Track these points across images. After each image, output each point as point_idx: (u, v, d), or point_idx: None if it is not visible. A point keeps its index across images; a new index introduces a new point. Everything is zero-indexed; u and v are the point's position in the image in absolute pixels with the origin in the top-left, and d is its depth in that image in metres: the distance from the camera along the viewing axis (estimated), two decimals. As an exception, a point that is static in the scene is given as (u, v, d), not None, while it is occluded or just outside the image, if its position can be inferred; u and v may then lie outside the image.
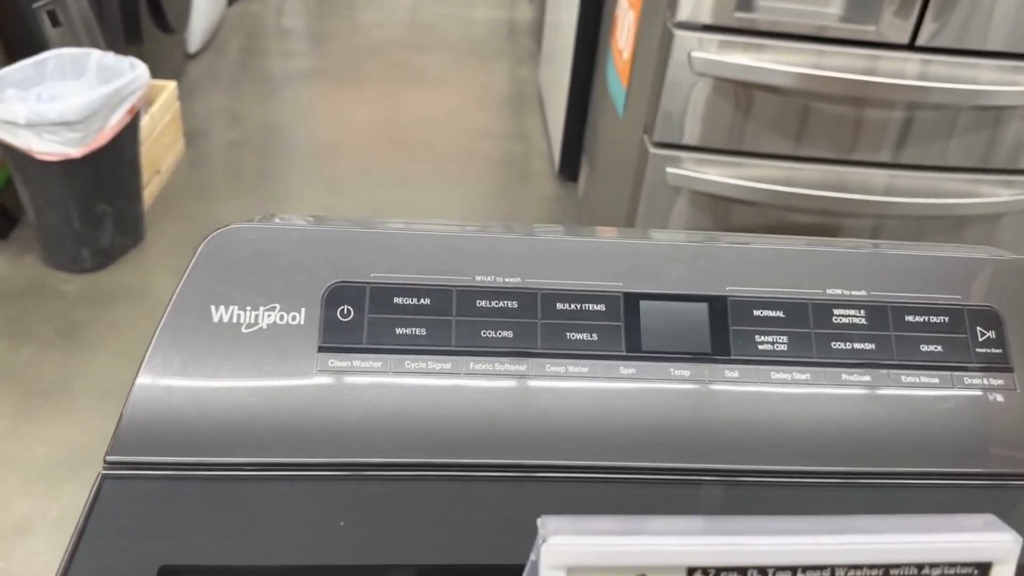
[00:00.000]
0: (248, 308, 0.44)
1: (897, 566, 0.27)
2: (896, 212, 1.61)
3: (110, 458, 0.41)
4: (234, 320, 0.44)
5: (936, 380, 0.47)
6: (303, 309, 0.44)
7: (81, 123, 1.70)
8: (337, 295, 0.44)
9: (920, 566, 0.27)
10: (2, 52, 1.90)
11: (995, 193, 1.60)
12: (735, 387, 0.45)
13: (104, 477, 0.40)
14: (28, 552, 1.32)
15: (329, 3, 3.84)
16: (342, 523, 0.39)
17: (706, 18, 1.38)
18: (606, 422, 0.44)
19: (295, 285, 0.44)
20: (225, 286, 0.44)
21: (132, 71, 1.85)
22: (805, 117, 1.50)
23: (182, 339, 0.43)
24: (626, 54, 1.71)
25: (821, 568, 0.27)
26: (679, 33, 1.39)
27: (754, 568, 0.26)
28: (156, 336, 0.43)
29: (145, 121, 2.07)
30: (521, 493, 0.42)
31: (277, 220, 0.49)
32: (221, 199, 2.26)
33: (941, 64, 1.41)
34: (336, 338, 0.44)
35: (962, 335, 0.48)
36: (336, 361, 0.43)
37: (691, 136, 1.51)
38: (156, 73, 2.32)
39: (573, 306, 0.46)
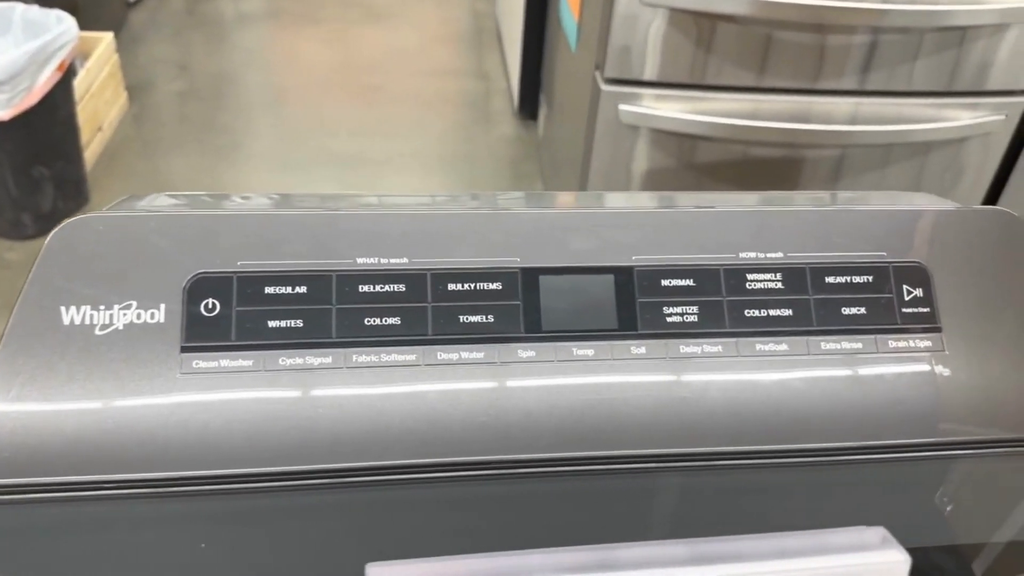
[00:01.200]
0: (102, 307, 0.40)
1: (772, 595, 0.24)
2: (861, 141, 1.57)
3: (-52, 484, 0.37)
4: (86, 321, 0.40)
5: (859, 345, 0.43)
6: (162, 305, 0.40)
7: (7, 83, 1.61)
8: (200, 287, 0.40)
9: (799, 593, 0.24)
10: (-81, 9, 1.80)
11: (960, 116, 1.56)
12: (641, 364, 0.42)
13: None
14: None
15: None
16: (203, 545, 0.35)
17: (653, -57, 1.31)
18: (503, 411, 0.41)
19: (153, 279, 0.40)
20: (75, 284, 0.40)
21: (59, 25, 1.75)
22: (766, 46, 1.45)
23: (29, 345, 0.39)
24: (576, -13, 1.64)
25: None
26: (625, -38, 1.32)
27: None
28: (3, 340, 0.39)
29: (81, 77, 1.98)
30: (413, 498, 0.39)
31: (142, 204, 0.45)
32: (169, 154, 2.18)
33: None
34: (201, 336, 0.40)
35: (887, 295, 0.44)
36: (201, 361, 0.40)
37: (649, 71, 1.45)
38: (92, 24, 2.22)
39: (466, 286, 0.42)
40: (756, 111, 1.52)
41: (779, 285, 0.44)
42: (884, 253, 0.45)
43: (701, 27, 1.40)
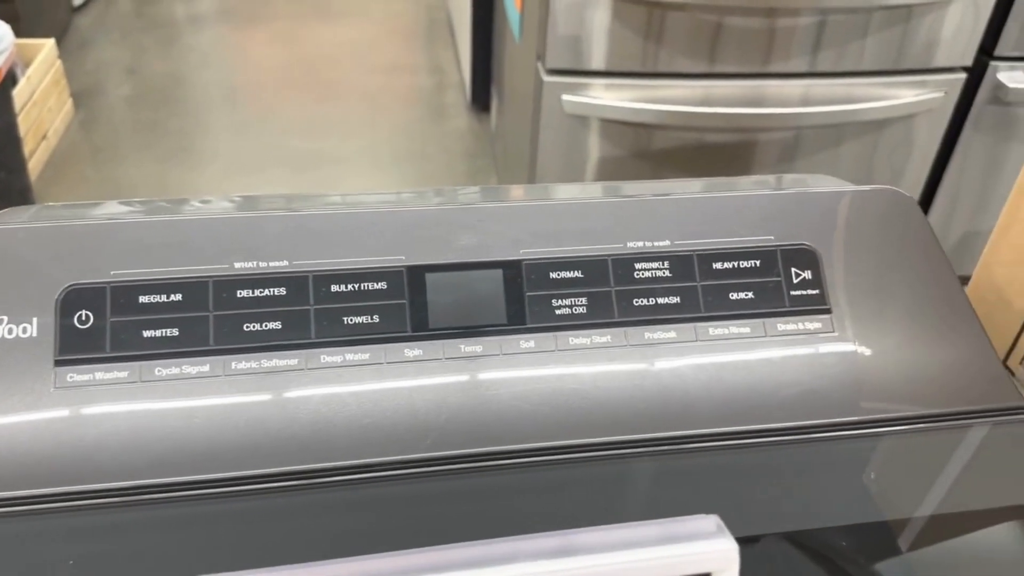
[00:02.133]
0: (-29, 322, 0.39)
1: (605, 588, 0.24)
2: (813, 122, 1.58)
3: None
4: (-46, 339, 0.39)
5: (747, 330, 0.44)
6: (34, 319, 0.39)
7: (-60, 94, 1.58)
8: (73, 299, 0.40)
9: (630, 586, 0.24)
10: None
11: (905, 94, 1.58)
12: (530, 358, 0.42)
13: None
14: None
15: (228, -62, 3.64)
16: (71, 561, 0.35)
17: (585, -68, 1.30)
18: (389, 412, 0.40)
19: (24, 292, 0.40)
20: (-58, 299, 0.39)
21: (-6, 32, 1.72)
22: (715, 32, 1.45)
23: None
24: (518, -23, 1.63)
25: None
26: (559, -48, 1.32)
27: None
28: None
29: (22, 85, 1.94)
30: (295, 505, 0.39)
31: (23, 217, 0.44)
32: (118, 160, 2.15)
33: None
34: (74, 348, 0.39)
35: (775, 278, 0.45)
36: (76, 375, 0.39)
37: (596, 61, 1.45)
38: (35, 31, 2.18)
39: (350, 287, 0.42)
40: (708, 97, 1.52)
41: (667, 273, 0.44)
42: (772, 237, 0.45)
43: (646, 15, 1.40)
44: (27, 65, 2.02)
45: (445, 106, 2.44)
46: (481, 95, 2.32)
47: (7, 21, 1.76)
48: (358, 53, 2.70)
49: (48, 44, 2.13)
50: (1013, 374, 0.55)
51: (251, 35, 2.81)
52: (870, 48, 1.51)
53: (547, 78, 1.45)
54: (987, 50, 1.54)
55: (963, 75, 1.56)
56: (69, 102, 2.24)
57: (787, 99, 1.55)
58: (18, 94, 1.87)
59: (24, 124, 1.86)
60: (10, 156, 1.82)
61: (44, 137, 2.06)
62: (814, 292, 0.45)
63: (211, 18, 2.90)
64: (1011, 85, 1.53)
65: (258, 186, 2.06)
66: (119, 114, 2.35)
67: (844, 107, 1.56)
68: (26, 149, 1.88)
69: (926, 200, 1.74)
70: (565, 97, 1.45)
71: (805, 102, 1.56)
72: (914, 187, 1.71)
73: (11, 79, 1.80)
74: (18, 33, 1.75)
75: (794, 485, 0.41)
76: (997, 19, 1.51)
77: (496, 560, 0.23)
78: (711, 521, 0.25)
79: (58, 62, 2.18)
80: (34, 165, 1.95)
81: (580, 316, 0.43)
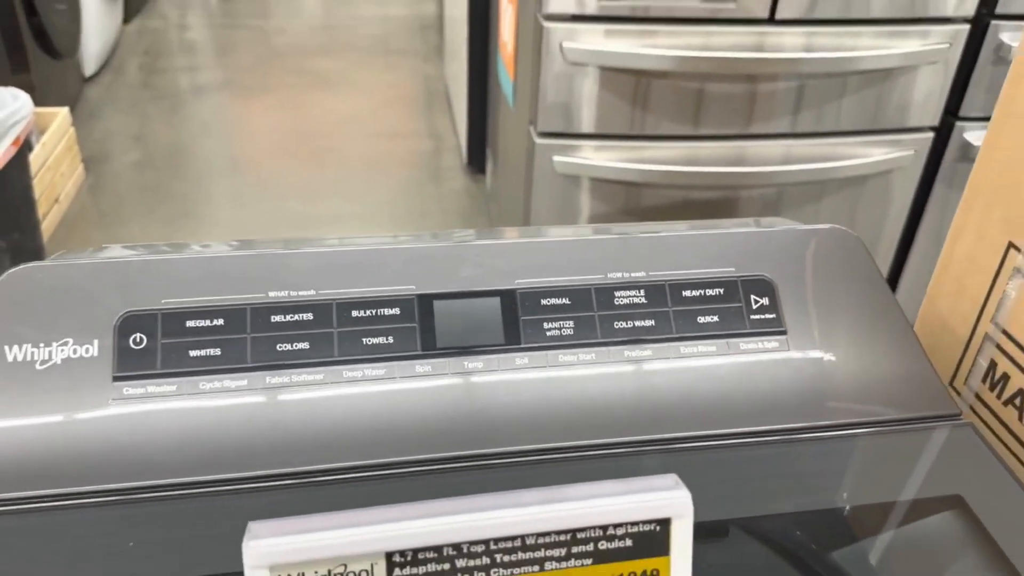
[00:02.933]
0: (41, 345, 0.45)
1: (583, 529, 0.30)
2: (794, 179, 1.66)
3: (-98, 506, 0.42)
4: (28, 358, 0.45)
5: (713, 348, 0.50)
6: (96, 341, 0.45)
7: (-38, 160, 1.66)
8: (129, 324, 0.46)
9: (605, 527, 0.30)
10: None
11: (882, 152, 1.67)
12: (525, 372, 0.48)
13: None
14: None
15: (233, 12, 3.80)
16: (131, 543, 0.40)
17: (573, 8, 1.41)
18: (401, 419, 0.46)
19: (87, 318, 0.46)
20: (17, 326, 0.45)
21: (15, 102, 1.81)
22: (697, 97, 1.54)
23: (-23, 381, 0.44)
24: (510, 47, 1.74)
25: (512, 538, 0.29)
26: (549, 25, 1.42)
27: (449, 546, 0.29)
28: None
29: (37, 151, 2.03)
30: (321, 497, 0.44)
31: (74, 255, 0.50)
32: (125, 223, 2.23)
33: (797, 35, 1.46)
34: (130, 366, 0.45)
35: (737, 304, 0.51)
36: (130, 389, 0.45)
37: (585, 124, 1.54)
38: (49, 100, 2.28)
39: (368, 312, 0.48)
40: (692, 157, 1.61)
41: (643, 300, 0.50)
42: (733, 269, 0.52)
43: (632, 83, 1.50)
44: (42, 132, 2.12)
45: (442, 169, 2.54)
46: (477, 158, 2.41)
47: (24, 90, 1.85)
48: (357, 121, 2.81)
49: (62, 112, 2.23)
50: (959, 394, 0.62)
51: (253, 105, 2.93)
52: (846, 109, 1.60)
53: (539, 140, 1.54)
54: (953, 111, 1.64)
55: (931, 134, 1.65)
56: (80, 167, 2.33)
57: (768, 158, 1.64)
58: (33, 159, 1.95)
59: (38, 188, 1.94)
60: (25, 218, 1.89)
61: (56, 200, 2.14)
62: (771, 316, 0.51)
63: (215, 89, 3.02)
64: (976, 144, 1.63)
65: (261, 247, 2.13)
66: (126, 179, 2.44)
67: (823, 165, 1.65)
68: (39, 211, 1.96)
69: (903, 250, 1.82)
70: (556, 158, 1.54)
71: (786, 161, 1.65)
72: (892, 239, 1.79)
73: (28, 145, 1.89)
74: (34, 102, 1.85)
75: (752, 477, 0.46)
76: (961, 82, 1.61)
77: (492, 507, 0.29)
78: (670, 479, 0.31)
79: (71, 129, 2.27)
80: (46, 227, 2.03)
81: (568, 337, 0.49)
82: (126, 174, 2.46)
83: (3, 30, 2.24)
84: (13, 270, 0.47)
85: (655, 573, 0.31)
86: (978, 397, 0.59)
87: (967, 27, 1.53)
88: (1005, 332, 0.56)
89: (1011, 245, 0.55)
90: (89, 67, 2.88)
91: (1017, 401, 0.56)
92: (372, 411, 0.46)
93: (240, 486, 0.43)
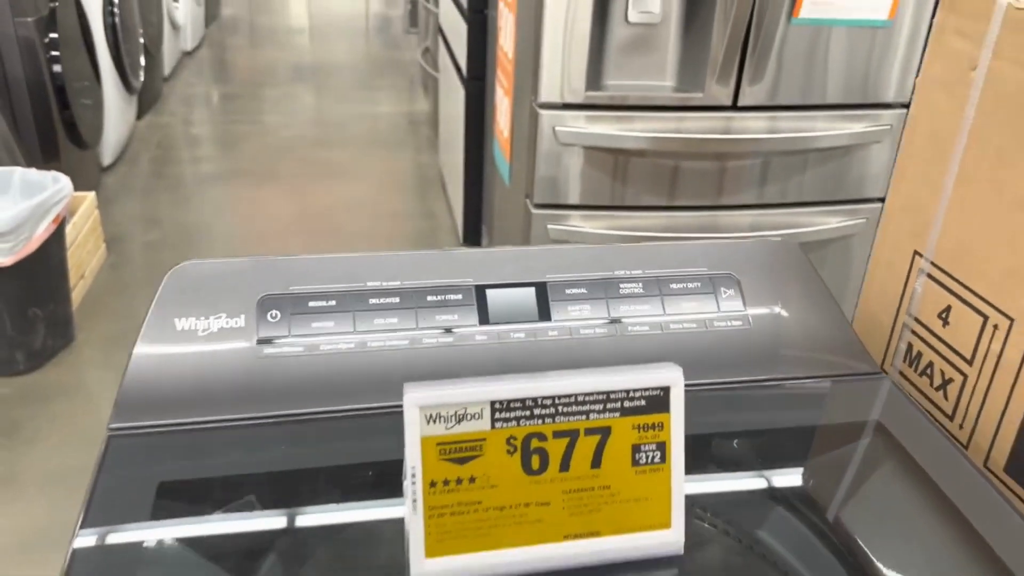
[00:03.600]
0: (202, 318, 0.61)
1: (615, 391, 0.46)
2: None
3: (112, 425, 0.57)
4: (192, 328, 0.61)
5: (694, 325, 0.67)
6: (243, 316, 0.62)
7: (11, 233, 1.83)
8: (267, 303, 0.62)
9: (628, 391, 0.46)
10: (-73, 177, 2.03)
11: (841, 220, 1.87)
12: (554, 340, 0.65)
13: (110, 438, 0.56)
14: (-14, 634, 1.40)
15: (235, 109, 4.05)
16: (282, 447, 0.56)
17: (564, 98, 1.63)
18: (465, 371, 0.63)
19: (236, 299, 0.62)
20: (184, 305, 0.62)
21: (55, 184, 1.99)
22: (673, 172, 1.75)
23: (157, 341, 0.60)
24: (506, 133, 1.95)
25: (568, 396, 0.45)
26: (543, 112, 1.64)
27: (529, 399, 0.45)
28: (138, 340, 0.60)
29: (68, 229, 2.20)
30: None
31: (220, 259, 0.67)
32: (144, 297, 2.37)
33: (760, 119, 1.69)
34: (268, 333, 0.62)
35: (710, 294, 0.69)
36: (269, 349, 0.61)
37: (572, 196, 1.74)
38: (73, 186, 2.46)
39: (440, 297, 0.65)
40: (670, 225, 1.81)
41: (640, 291, 0.68)
42: (705, 268, 0.69)
43: (613, 160, 1.71)
44: (72, 214, 2.29)
45: (440, 243, 2.73)
46: (472, 234, 2.61)
47: (63, 175, 2.04)
48: (359, 204, 3.02)
49: (89, 197, 2.41)
50: (886, 373, 0.78)
51: (260, 191, 3.13)
52: (806, 183, 1.82)
53: (535, 211, 1.74)
54: (898, 184, 1.86)
55: (880, 204, 1.87)
56: (103, 247, 2.50)
57: (738, 226, 1.84)
58: (66, 236, 2.12)
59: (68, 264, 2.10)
60: (59, 290, 2.05)
61: (82, 276, 2.30)
62: (737, 303, 0.69)
63: (224, 177, 3.23)
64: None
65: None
66: (145, 258, 2.61)
67: (787, 231, 1.85)
68: (70, 284, 2.11)
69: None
70: (550, 226, 1.73)
71: (754, 228, 1.85)
72: (853, 295, 1.98)
73: (63, 223, 2.06)
74: (70, 186, 2.03)
75: (719, 411, 0.63)
76: (903, 160, 1.83)
77: (556, 378, 0.46)
78: (670, 364, 0.48)
79: (96, 212, 2.45)
80: (73, 299, 2.17)
81: (586, 316, 0.66)
82: (144, 253, 2.63)
83: (38, 122, 2.45)
84: (178, 266, 0.64)
85: (660, 424, 0.47)
86: (902, 374, 0.76)
87: (905, 111, 1.77)
88: (916, 319, 0.74)
89: (916, 252, 0.73)
90: (107, 158, 3.08)
91: (929, 371, 0.73)
92: (444, 367, 0.63)
93: (347, 414, 0.59)
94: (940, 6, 0.70)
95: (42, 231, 1.92)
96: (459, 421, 0.45)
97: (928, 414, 0.66)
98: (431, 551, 0.45)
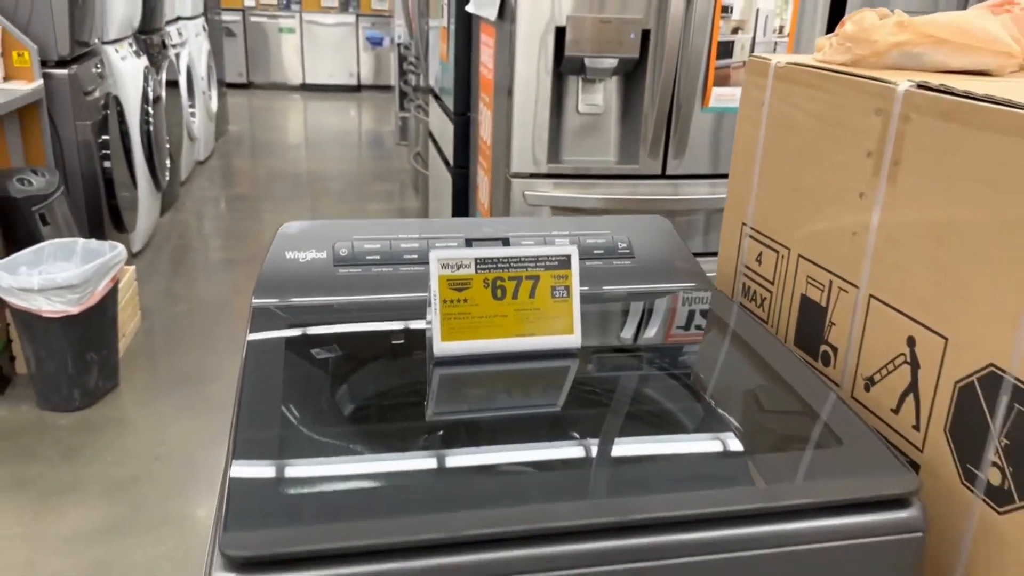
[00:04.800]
0: (302, 252, 1.02)
1: (540, 256, 0.87)
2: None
3: (256, 300, 0.97)
4: (295, 256, 1.02)
5: (599, 263, 1.09)
6: (325, 251, 1.03)
7: (79, 287, 2.23)
8: (338, 245, 1.04)
9: (550, 256, 0.87)
10: (4, 245, 2.44)
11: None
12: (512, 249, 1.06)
13: (255, 310, 0.96)
14: (64, 595, 1.71)
15: (242, 209, 4.52)
16: (350, 313, 0.96)
17: (531, 169, 2.08)
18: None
19: (320, 242, 1.03)
20: (291, 242, 1.03)
21: (112, 251, 2.41)
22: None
23: (278, 262, 1.01)
24: (486, 204, 2.40)
25: (517, 257, 0.86)
26: (515, 180, 2.09)
27: (497, 258, 0.86)
28: (265, 261, 1.01)
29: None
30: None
31: (308, 220, 1.08)
32: (175, 354, 2.76)
33: (689, 185, 2.15)
34: (342, 262, 1.02)
35: (623, 246, 1.10)
36: (343, 271, 1.02)
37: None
38: (116, 262, 2.87)
39: (443, 243, 1.06)
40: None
41: (566, 235, 1.09)
42: (608, 230, 1.11)
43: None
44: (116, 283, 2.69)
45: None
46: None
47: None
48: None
49: (131, 269, 2.82)
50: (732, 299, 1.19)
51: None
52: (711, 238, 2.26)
53: (510, 260, 2.16)
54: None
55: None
56: (139, 314, 2.89)
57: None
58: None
59: (117, 320, 2.49)
60: (111, 339, 2.43)
61: (123, 336, 2.68)
62: (628, 252, 1.10)
63: (235, 263, 3.65)
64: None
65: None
66: (172, 324, 2.99)
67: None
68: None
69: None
70: (523, 272, 2.16)
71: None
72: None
73: (116, 283, 2.46)
74: (126, 253, 2.44)
75: (623, 305, 1.04)
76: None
77: (494, 250, 0.87)
78: (569, 245, 0.88)
79: (135, 283, 2.86)
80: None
81: (531, 243, 1.08)
82: (172, 321, 3.01)
83: (89, 208, 2.88)
84: (284, 225, 1.05)
85: (566, 275, 0.87)
86: (741, 304, 1.17)
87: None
88: (747, 267, 1.15)
89: (743, 223, 1.16)
90: (136, 245, 3.51)
91: (754, 295, 1.14)
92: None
93: (384, 300, 1.00)
94: (746, 71, 1.15)
95: (103, 287, 2.32)
96: (457, 268, 0.85)
97: (754, 315, 1.06)
98: (444, 338, 0.85)
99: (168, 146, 3.98)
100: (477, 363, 0.86)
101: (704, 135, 2.12)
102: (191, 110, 4.83)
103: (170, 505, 1.99)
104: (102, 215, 2.95)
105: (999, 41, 0.91)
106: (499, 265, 0.87)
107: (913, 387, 0.84)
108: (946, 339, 0.79)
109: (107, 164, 2.96)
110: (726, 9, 2.04)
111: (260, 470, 0.68)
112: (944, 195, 0.79)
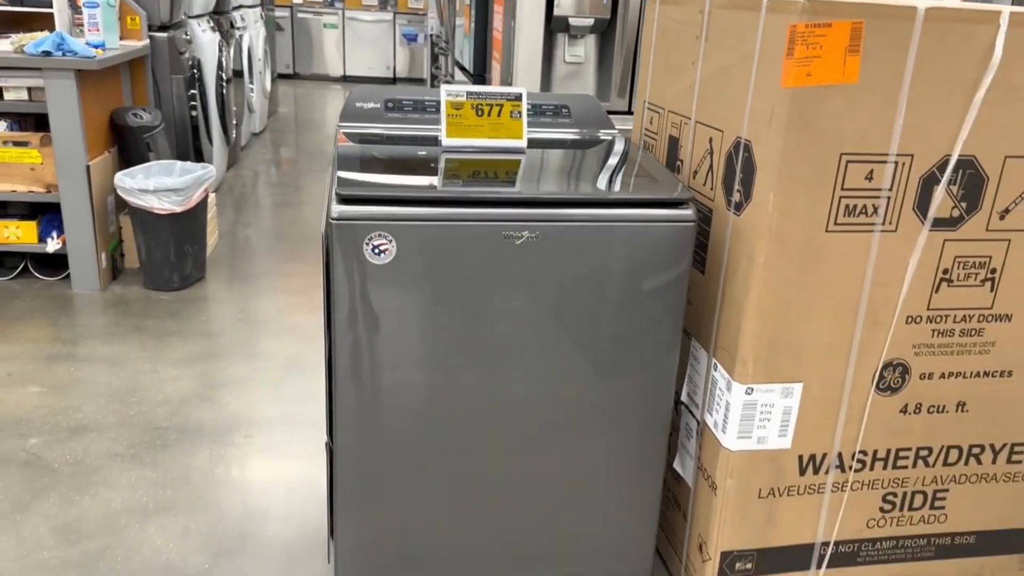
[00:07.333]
0: (366, 103, 1.69)
1: (504, 94, 1.52)
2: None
3: (340, 123, 1.63)
4: (361, 105, 1.68)
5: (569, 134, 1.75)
6: (379, 103, 1.70)
7: (183, 191, 2.92)
8: (388, 101, 1.70)
9: (508, 94, 1.52)
10: (122, 163, 3.14)
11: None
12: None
13: (339, 130, 1.62)
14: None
15: (288, 170, 5.22)
16: (396, 146, 1.62)
17: (527, 101, 2.74)
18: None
19: (376, 98, 1.70)
20: (358, 98, 1.69)
21: (204, 169, 3.10)
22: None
23: (351, 105, 1.68)
24: (495, 137, 3.07)
25: (490, 95, 1.51)
26: (515, 110, 2.74)
27: (478, 93, 1.51)
28: (344, 107, 1.68)
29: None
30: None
31: (369, 86, 1.75)
32: (247, 260, 3.45)
33: (644, 116, 2.79)
34: (390, 109, 1.69)
35: (564, 112, 1.76)
36: (390, 113, 1.68)
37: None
38: (198, 191, 3.57)
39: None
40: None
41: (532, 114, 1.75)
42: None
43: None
44: (202, 202, 3.38)
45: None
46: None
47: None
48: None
49: (214, 195, 3.52)
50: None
51: (312, 211, 4.23)
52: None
53: (510, 175, 2.82)
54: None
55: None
56: (216, 232, 3.58)
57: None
58: (203, 211, 3.20)
59: (205, 227, 3.18)
60: (202, 238, 3.12)
61: (209, 242, 3.37)
62: (568, 116, 1.76)
63: (288, 204, 4.34)
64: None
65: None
66: (242, 242, 3.68)
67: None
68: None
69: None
70: (520, 184, 2.81)
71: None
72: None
73: (206, 198, 3.15)
74: (214, 173, 3.13)
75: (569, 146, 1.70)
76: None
77: (478, 90, 1.52)
78: (521, 88, 1.53)
79: (215, 207, 3.55)
80: (204, 254, 3.24)
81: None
82: (241, 240, 3.70)
83: (179, 148, 3.58)
84: (355, 88, 1.72)
85: (519, 106, 1.52)
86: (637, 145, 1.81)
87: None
88: (646, 129, 1.80)
89: (644, 100, 1.80)
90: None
91: (650, 149, 1.78)
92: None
93: (414, 133, 1.66)
94: (648, 5, 1.80)
95: (198, 195, 3.01)
96: (456, 97, 1.51)
97: (649, 149, 1.71)
98: (448, 136, 1.50)
99: (235, 109, 4.70)
100: (466, 152, 1.52)
101: (661, 80, 2.76)
102: (250, 86, 5.56)
103: (254, 344, 2.67)
104: (189, 155, 3.66)
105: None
106: (480, 96, 1.53)
107: (711, 165, 1.48)
108: (722, 131, 1.44)
109: (194, 113, 3.67)
110: (678, -16, 2.68)
111: (357, 175, 1.34)
112: (724, 52, 1.43)
